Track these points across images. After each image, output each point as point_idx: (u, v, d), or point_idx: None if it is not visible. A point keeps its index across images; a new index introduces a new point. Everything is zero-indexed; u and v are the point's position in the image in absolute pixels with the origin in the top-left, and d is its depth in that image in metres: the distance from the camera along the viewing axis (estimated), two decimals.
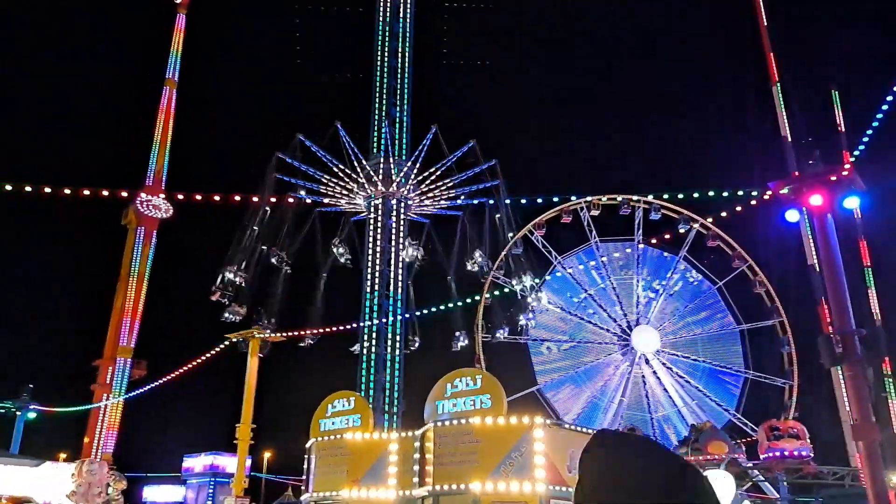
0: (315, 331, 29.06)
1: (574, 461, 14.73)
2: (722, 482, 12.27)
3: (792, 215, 16.47)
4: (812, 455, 28.90)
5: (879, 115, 13.46)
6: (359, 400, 17.42)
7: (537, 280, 41.88)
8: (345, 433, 16.72)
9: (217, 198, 28.69)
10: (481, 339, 43.57)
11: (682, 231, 49.00)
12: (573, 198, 50.20)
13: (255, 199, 30.28)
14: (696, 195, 44.83)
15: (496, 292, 45.69)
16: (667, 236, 50.46)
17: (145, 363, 39.11)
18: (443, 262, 35.66)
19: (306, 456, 17.99)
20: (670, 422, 49.31)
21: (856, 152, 14.49)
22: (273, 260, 29.60)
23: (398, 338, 35.41)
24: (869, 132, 13.95)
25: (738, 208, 31.13)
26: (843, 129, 44.54)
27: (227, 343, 24.56)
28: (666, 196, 48.35)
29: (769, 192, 20.10)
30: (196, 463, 30.40)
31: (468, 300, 39.59)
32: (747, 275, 49.72)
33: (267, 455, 40.58)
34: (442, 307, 32.79)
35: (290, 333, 27.04)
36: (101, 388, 37.71)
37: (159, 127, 40.69)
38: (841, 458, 33.13)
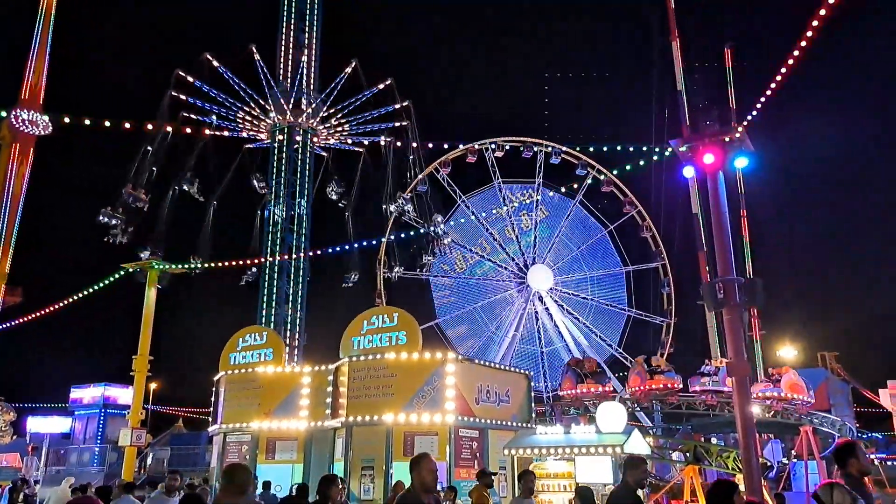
0: (220, 263, 28.35)
1: (481, 394, 15.82)
2: (616, 412, 13.66)
3: (688, 171, 17.79)
4: (681, 387, 32.29)
5: (773, 85, 14.69)
6: (271, 335, 17.58)
7: (440, 218, 42.51)
8: (256, 367, 16.90)
9: (107, 123, 26.79)
10: (383, 274, 44.27)
11: (579, 175, 51.23)
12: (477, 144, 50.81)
13: (150, 126, 28.56)
14: (591, 149, 46.81)
15: (402, 234, 46.05)
16: (564, 188, 52.36)
17: (20, 290, 36.75)
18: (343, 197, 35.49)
19: (214, 389, 18.04)
20: (558, 355, 52.49)
21: (748, 116, 15.73)
22: (185, 186, 28.36)
23: (301, 272, 35.24)
24: (762, 100, 15.17)
25: (641, 162, 32.87)
26: (732, 88, 47.48)
27: (122, 273, 23.61)
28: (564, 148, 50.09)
29: (669, 149, 21.41)
30: (85, 394, 29.35)
31: (372, 242, 39.66)
32: (636, 220, 52.78)
33: (153, 386, 39.76)
34: (347, 247, 32.80)
35: (190, 265, 26.26)
36: None
37: (37, 34, 37.10)
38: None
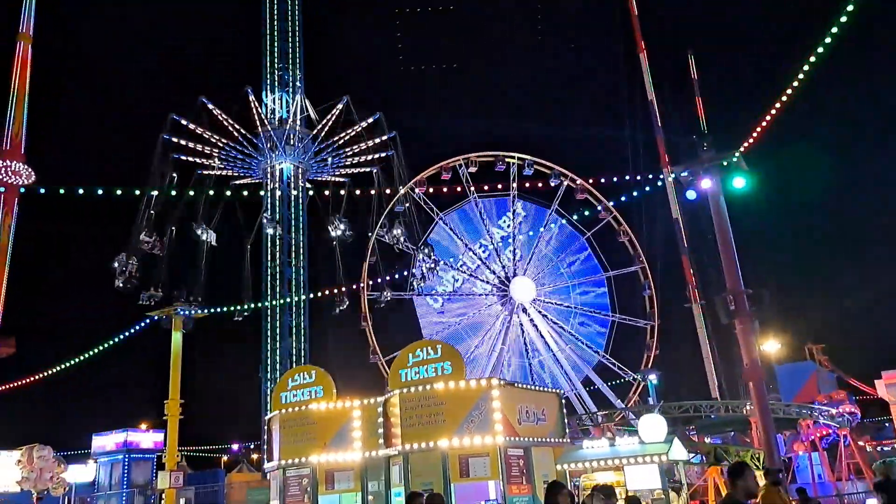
0: (239, 306, 29.66)
1: (522, 415, 17.64)
2: (656, 423, 15.62)
3: (690, 194, 20.07)
4: None
5: (773, 111, 16.89)
6: (319, 373, 19.09)
7: (416, 236, 44.22)
8: (309, 404, 18.40)
9: (100, 192, 27.84)
10: (367, 297, 45.74)
11: (553, 185, 53.48)
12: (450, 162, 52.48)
13: (138, 192, 29.79)
14: (563, 157, 49.25)
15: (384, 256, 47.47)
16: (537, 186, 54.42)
17: (13, 340, 37.50)
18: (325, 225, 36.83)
19: (267, 427, 19.47)
20: (545, 365, 54.26)
21: (745, 144, 18.01)
22: (199, 232, 29.66)
23: (302, 305, 36.59)
24: (758, 129, 17.42)
25: (618, 183, 35.22)
26: (698, 87, 50.55)
27: (147, 322, 24.78)
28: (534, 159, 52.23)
29: (672, 175, 23.62)
30: (107, 441, 30.13)
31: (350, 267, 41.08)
32: (613, 226, 55.05)
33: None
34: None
35: (216, 309, 27.56)
36: None
37: (14, 84, 37.88)
38: (702, 385, 39.25)
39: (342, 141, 35.59)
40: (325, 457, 17.90)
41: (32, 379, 27.82)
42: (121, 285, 27.74)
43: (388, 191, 42.77)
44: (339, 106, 34.71)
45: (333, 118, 34.82)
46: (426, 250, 46.55)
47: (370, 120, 35.49)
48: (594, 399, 50.57)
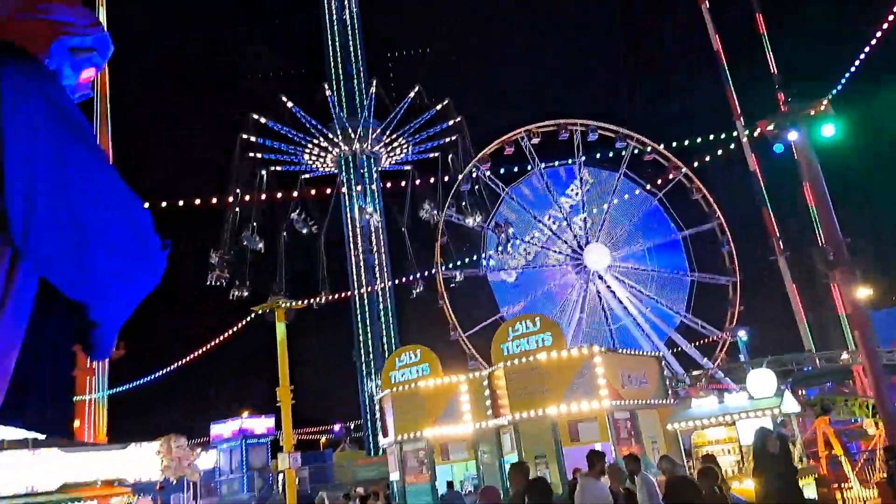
0: (332, 296, 31.23)
1: (624, 379, 18.19)
2: (766, 378, 15.90)
3: (778, 147, 19.98)
4: None
5: (861, 56, 16.65)
6: (424, 351, 20.15)
7: (482, 215, 44.87)
8: (417, 382, 19.49)
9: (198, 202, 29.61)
10: (442, 277, 46.72)
11: (619, 148, 52.89)
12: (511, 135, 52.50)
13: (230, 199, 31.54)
14: (628, 120, 48.71)
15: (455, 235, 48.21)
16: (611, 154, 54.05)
17: (123, 343, 40.17)
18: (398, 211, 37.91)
19: (379, 406, 20.74)
20: (627, 331, 54.13)
21: (833, 91, 17.80)
22: (298, 226, 31.35)
23: (387, 290, 37.73)
24: (846, 75, 17.20)
25: (687, 141, 34.86)
26: (766, 37, 48.91)
27: (252, 316, 26.46)
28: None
29: (758, 131, 23.41)
30: (224, 429, 32.64)
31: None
32: (685, 184, 54.08)
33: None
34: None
35: (313, 301, 29.12)
36: (83, 373, 38.43)
37: (97, 98, 40.08)
38: (792, 337, 38.65)
39: (412, 128, 36.53)
40: (437, 430, 18.96)
41: (156, 375, 30.16)
42: (214, 282, 29.57)
43: (458, 176, 43.51)
44: (411, 95, 35.63)
45: (406, 105, 35.77)
46: (496, 226, 47.24)
47: (439, 106, 36.31)
48: (679, 361, 50.23)
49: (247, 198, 32.65)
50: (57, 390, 2.16)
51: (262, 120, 33.94)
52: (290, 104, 33.82)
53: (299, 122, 35.09)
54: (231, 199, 32.21)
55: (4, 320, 1.85)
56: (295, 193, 33.46)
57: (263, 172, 33.32)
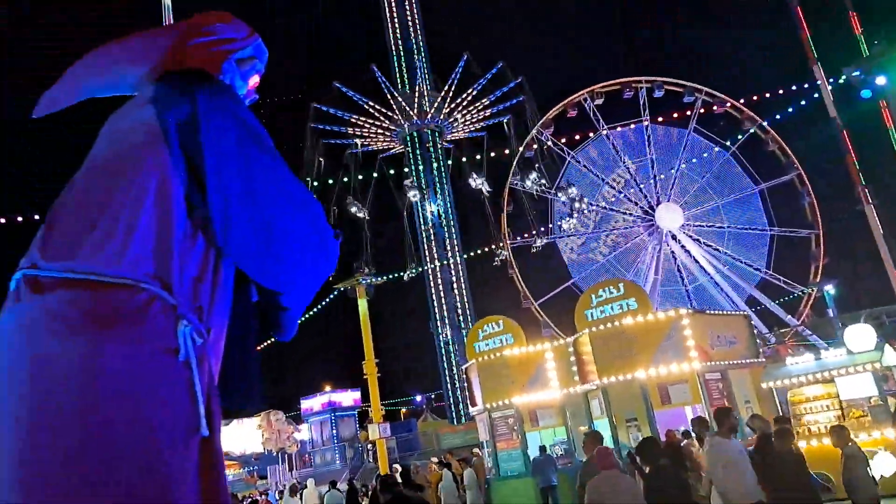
0: (411, 270, 31.87)
1: (713, 340, 17.97)
2: (864, 332, 15.47)
3: (866, 93, 19.15)
4: None
5: None
6: (507, 321, 20.45)
7: (544, 181, 44.39)
8: (503, 350, 19.81)
9: None
10: (510, 246, 46.66)
11: (687, 103, 51.16)
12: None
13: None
14: (695, 75, 47.03)
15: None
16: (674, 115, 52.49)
17: None
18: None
19: (466, 376, 21.22)
20: (705, 290, 52.89)
21: None
22: (353, 209, 32.02)
23: (459, 263, 38.05)
24: None
25: (760, 91, 33.43)
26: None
27: (336, 293, 27.37)
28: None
29: (843, 77, 22.48)
30: (314, 403, 34.19)
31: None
32: (758, 135, 51.99)
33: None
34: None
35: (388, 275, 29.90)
36: None
37: None
38: (882, 288, 36.98)
39: (470, 96, 36.45)
40: (525, 397, 19.28)
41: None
42: None
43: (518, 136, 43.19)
44: (461, 64, 35.60)
45: (458, 76, 35.75)
46: (563, 191, 46.82)
47: (493, 71, 36.08)
48: (761, 318, 48.86)
49: (329, 181, 33.52)
50: (252, 369, 2.38)
51: (324, 108, 34.62)
52: (343, 88, 34.32)
53: (355, 105, 35.71)
54: (314, 184, 33.10)
55: (215, 310, 2.12)
56: (375, 174, 34.14)
57: (347, 153, 34.04)
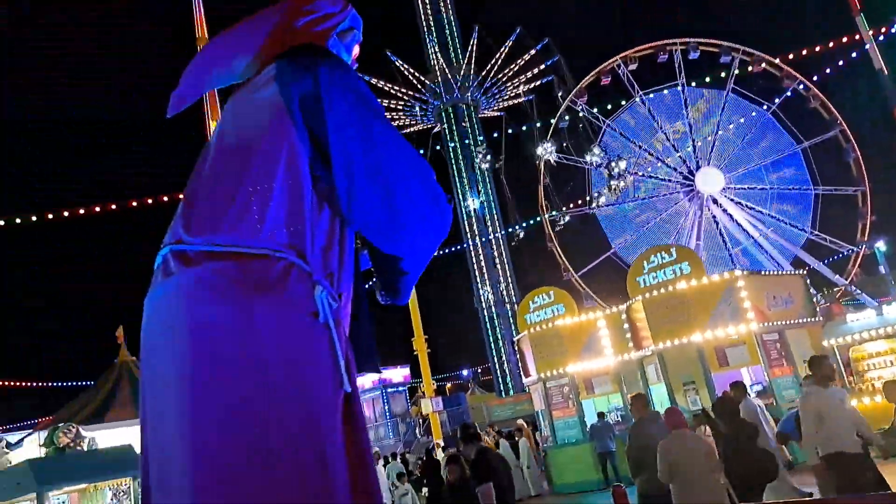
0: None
1: (769, 300, 17.80)
2: None
3: None
4: None
5: None
6: (557, 292, 20.53)
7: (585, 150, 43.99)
8: (555, 321, 19.91)
9: None
10: (548, 218, 46.40)
11: (723, 62, 49.91)
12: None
13: None
14: (730, 33, 45.85)
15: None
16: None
17: None
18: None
19: (518, 348, 21.40)
20: (749, 253, 51.99)
21: None
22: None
23: (500, 238, 38.12)
24: None
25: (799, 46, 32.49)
26: None
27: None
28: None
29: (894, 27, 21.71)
30: (365, 380, 34.70)
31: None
32: (799, 92, 50.61)
33: None
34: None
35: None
36: None
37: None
38: None
39: (511, 72, 36.24)
40: (579, 366, 19.40)
41: None
42: None
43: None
44: (508, 43, 35.39)
45: (506, 50, 35.55)
46: (599, 161, 46.38)
47: (538, 46, 35.80)
48: (809, 279, 47.77)
49: None
50: (370, 332, 2.42)
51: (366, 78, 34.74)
52: (394, 58, 34.39)
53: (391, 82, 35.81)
54: None
55: (344, 276, 2.25)
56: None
57: None
